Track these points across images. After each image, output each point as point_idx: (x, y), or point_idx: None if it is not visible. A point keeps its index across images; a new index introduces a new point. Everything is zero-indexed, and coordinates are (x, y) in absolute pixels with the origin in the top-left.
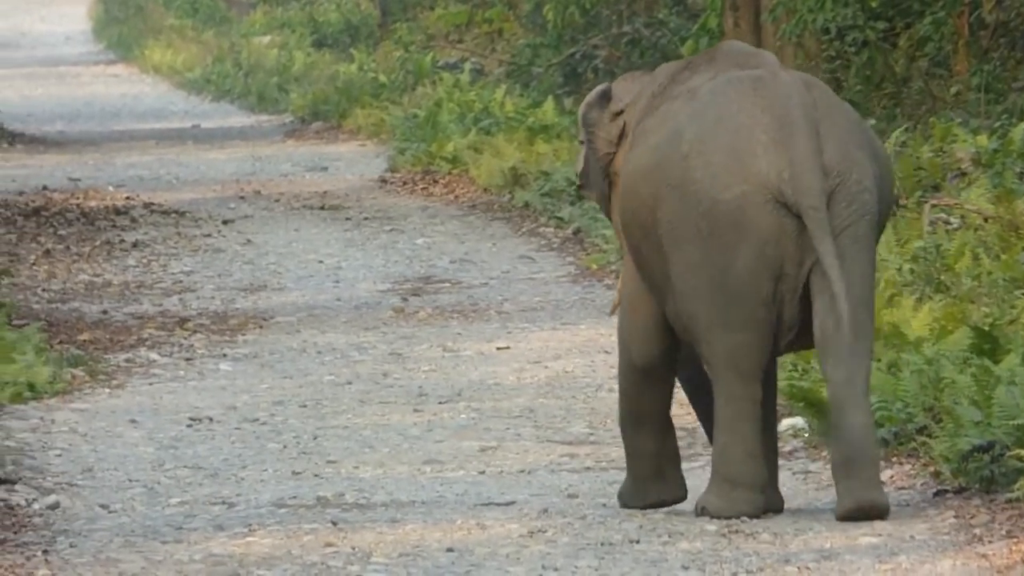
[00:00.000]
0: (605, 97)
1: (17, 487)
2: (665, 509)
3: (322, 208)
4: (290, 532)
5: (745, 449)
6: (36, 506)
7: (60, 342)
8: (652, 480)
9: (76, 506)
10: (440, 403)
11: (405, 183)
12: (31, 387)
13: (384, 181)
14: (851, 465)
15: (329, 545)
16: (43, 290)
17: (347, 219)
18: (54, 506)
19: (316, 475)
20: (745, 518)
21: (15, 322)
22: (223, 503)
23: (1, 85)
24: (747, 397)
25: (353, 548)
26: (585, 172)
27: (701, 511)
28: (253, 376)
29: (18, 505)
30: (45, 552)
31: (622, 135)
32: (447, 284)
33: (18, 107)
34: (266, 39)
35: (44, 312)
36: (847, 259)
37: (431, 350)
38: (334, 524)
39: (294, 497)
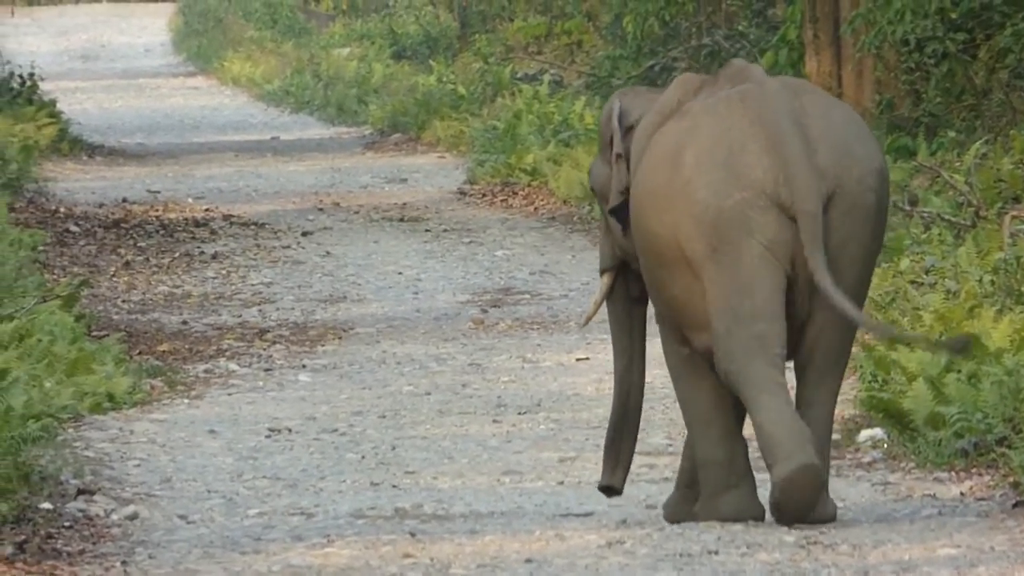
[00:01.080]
0: (620, 112)
1: (96, 497)
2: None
3: (401, 220)
4: (368, 543)
5: (781, 415)
6: (115, 517)
7: (139, 353)
8: (724, 490)
9: (155, 517)
10: (519, 414)
11: (484, 195)
12: (110, 398)
13: (463, 193)
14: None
15: (407, 556)
16: (123, 301)
17: (426, 231)
18: (133, 517)
19: (394, 486)
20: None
21: (95, 333)
22: (302, 514)
23: (81, 97)
24: (775, 381)
25: (431, 559)
26: (617, 188)
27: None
28: (332, 387)
29: (97, 516)
30: (124, 563)
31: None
32: (526, 296)
33: (98, 119)
34: (345, 51)
35: (124, 323)
36: (843, 270)
37: (510, 361)
38: (412, 535)
39: (372, 508)
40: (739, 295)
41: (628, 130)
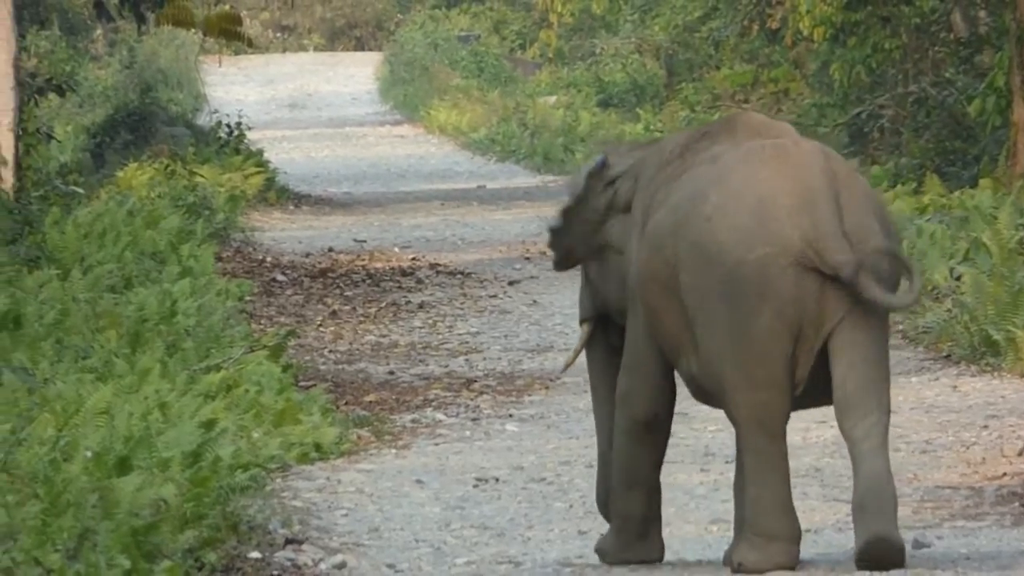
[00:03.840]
0: (601, 167)
1: (304, 547)
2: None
3: None
4: None
5: (778, 501)
6: (323, 566)
7: (346, 403)
8: (637, 540)
9: (363, 566)
10: (727, 462)
11: None
12: (318, 448)
13: None
14: (867, 506)
15: None
16: (329, 351)
17: None
18: (341, 566)
19: (602, 535)
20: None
21: (302, 383)
22: (510, 562)
23: (288, 146)
24: (775, 452)
25: None
26: (561, 238)
27: (738, 567)
28: (539, 436)
29: (305, 565)
30: None
31: (611, 205)
32: None
33: (304, 168)
34: (552, 99)
35: (331, 373)
36: (862, 325)
37: (716, 410)
38: None
39: (580, 556)
40: (748, 363)
41: (608, 184)
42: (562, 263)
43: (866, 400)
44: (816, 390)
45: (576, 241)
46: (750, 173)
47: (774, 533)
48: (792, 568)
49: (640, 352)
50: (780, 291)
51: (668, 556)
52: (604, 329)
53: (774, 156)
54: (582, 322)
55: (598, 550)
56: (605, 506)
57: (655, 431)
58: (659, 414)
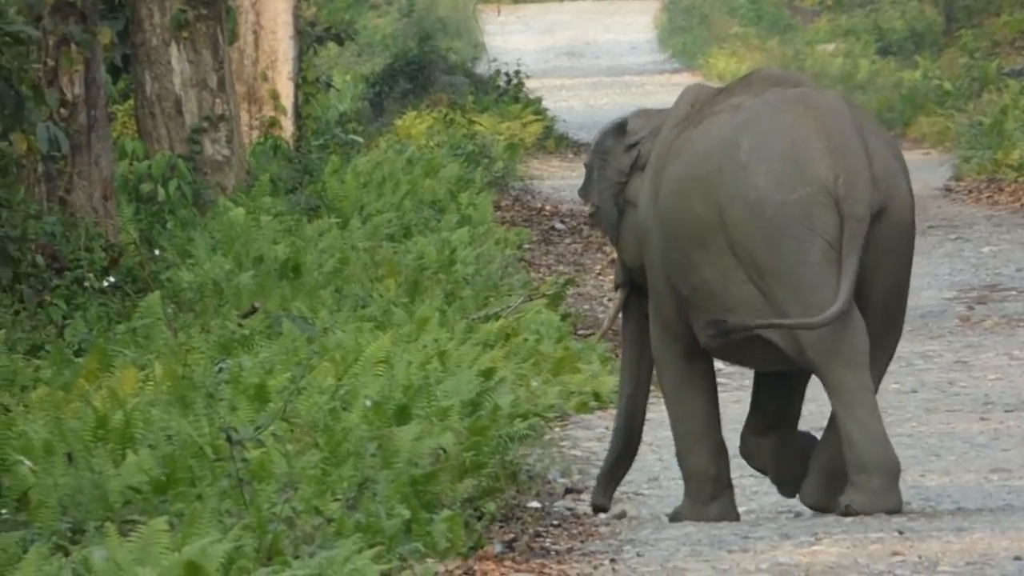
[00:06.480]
0: (621, 130)
1: (583, 496)
2: None
3: None
4: (856, 541)
5: (872, 434)
6: (602, 515)
7: None
8: (710, 501)
9: (642, 515)
10: (1006, 411)
11: (970, 191)
12: (596, 396)
13: (948, 190)
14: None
15: (895, 554)
16: (608, 299)
17: None
18: (620, 515)
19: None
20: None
21: (580, 332)
22: (789, 512)
23: (566, 95)
24: (859, 386)
25: (920, 557)
26: (595, 202)
27: (846, 509)
28: (815, 384)
29: (584, 514)
30: (612, 561)
31: (634, 165)
32: (1013, 292)
33: (583, 116)
34: (830, 47)
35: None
36: (885, 272)
37: (997, 358)
38: (900, 533)
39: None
40: (812, 291)
41: (631, 147)
42: (593, 219)
43: (875, 353)
44: None
45: (602, 200)
46: (777, 118)
47: (874, 466)
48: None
49: (662, 299)
50: (824, 228)
51: (947, 505)
52: (639, 295)
53: (799, 102)
54: (617, 287)
55: (672, 516)
56: (609, 473)
57: (696, 362)
58: (690, 347)
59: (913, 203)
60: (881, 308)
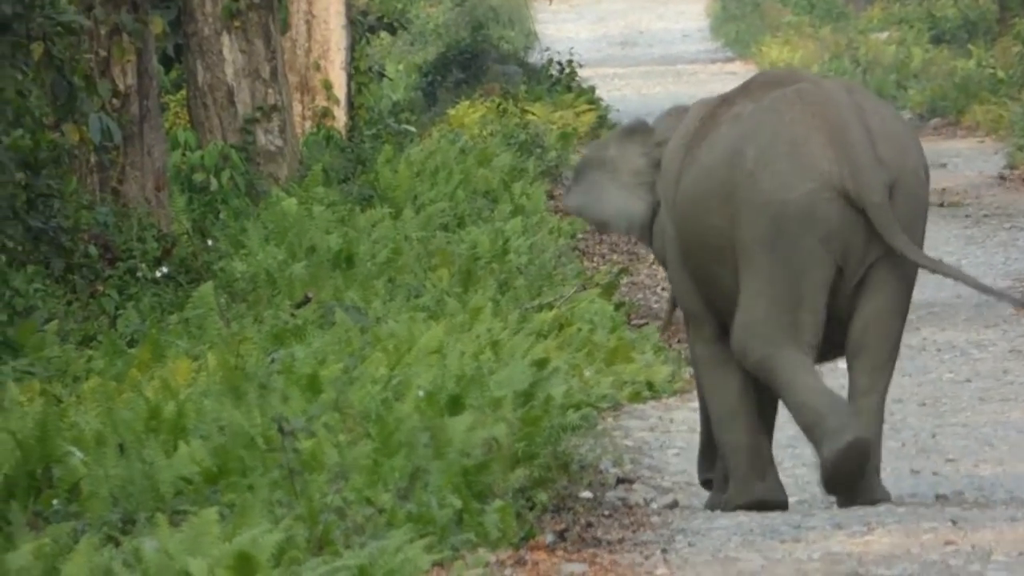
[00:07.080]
0: (636, 131)
1: (635, 486)
2: None
3: (940, 205)
4: (909, 530)
5: (821, 393)
6: (654, 505)
7: (678, 341)
8: (756, 480)
9: (694, 505)
10: None
11: None
12: (650, 386)
13: (1003, 178)
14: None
15: (949, 543)
16: (662, 289)
17: (966, 216)
18: (672, 505)
19: (935, 473)
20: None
21: (634, 321)
22: None
23: (619, 83)
24: (809, 365)
25: (973, 546)
26: (605, 214)
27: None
28: None
29: (636, 504)
30: (663, 551)
31: (659, 165)
32: None
33: (636, 105)
34: (884, 35)
35: (663, 311)
36: (895, 266)
37: None
38: (953, 523)
39: (913, 495)
40: (786, 283)
41: (658, 145)
42: (601, 227)
43: (880, 351)
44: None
45: (616, 207)
46: (778, 120)
47: (828, 424)
48: (867, 459)
49: (680, 280)
50: (826, 221)
51: (1000, 494)
52: None
53: (798, 99)
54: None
55: (710, 507)
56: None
57: (727, 342)
58: (719, 328)
59: (925, 176)
60: (887, 309)
